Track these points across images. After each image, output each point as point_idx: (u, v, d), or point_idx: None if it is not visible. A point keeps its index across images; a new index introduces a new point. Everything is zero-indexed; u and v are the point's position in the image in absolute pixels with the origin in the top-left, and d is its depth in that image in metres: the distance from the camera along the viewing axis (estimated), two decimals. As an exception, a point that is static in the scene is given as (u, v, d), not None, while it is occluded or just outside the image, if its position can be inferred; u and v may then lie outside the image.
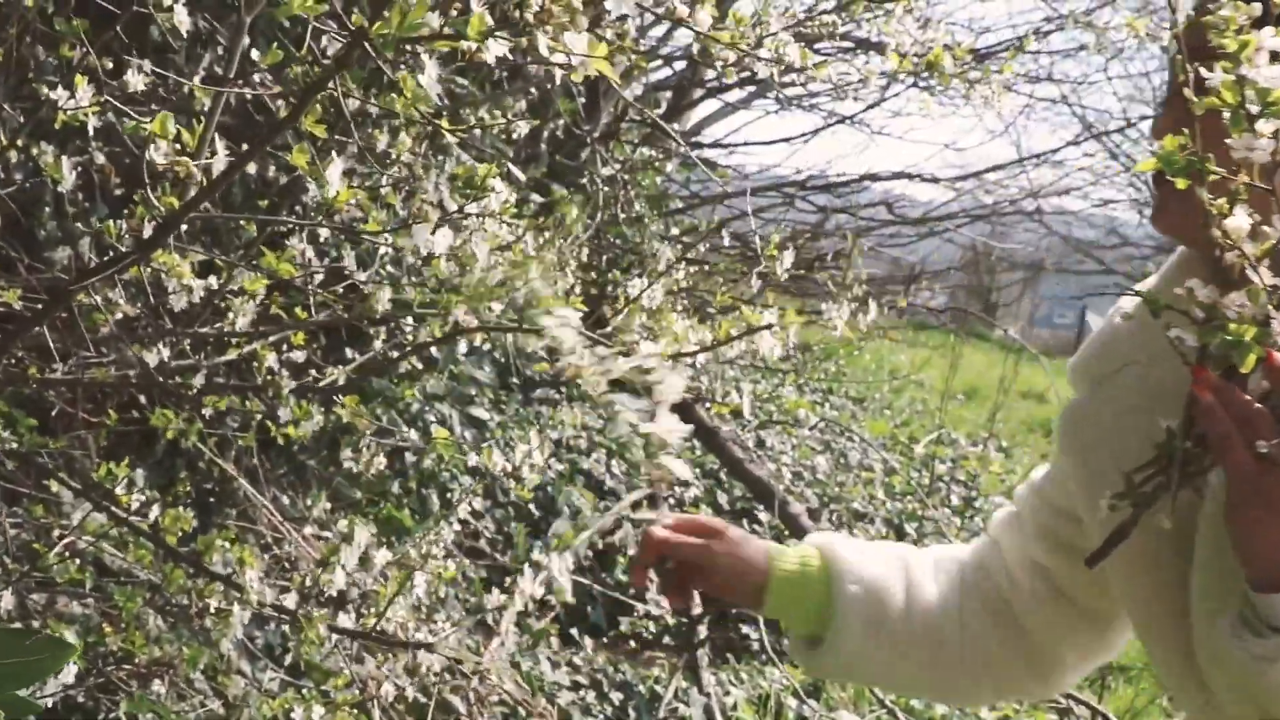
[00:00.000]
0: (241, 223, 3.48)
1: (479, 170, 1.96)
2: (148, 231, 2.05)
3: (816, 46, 4.25)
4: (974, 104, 4.70)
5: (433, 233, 2.00)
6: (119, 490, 2.87)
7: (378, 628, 3.01)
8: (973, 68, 8.16)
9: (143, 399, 3.38)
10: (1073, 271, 24.25)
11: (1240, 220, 1.29)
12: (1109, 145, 20.67)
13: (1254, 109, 1.24)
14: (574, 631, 5.68)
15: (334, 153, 1.82)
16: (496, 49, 1.38)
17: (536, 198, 6.19)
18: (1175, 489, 1.36)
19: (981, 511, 9.31)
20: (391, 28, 1.38)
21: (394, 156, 2.61)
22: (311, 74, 1.70)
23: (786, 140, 9.71)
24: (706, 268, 7.61)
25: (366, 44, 1.41)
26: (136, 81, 2.23)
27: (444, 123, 1.59)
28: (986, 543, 1.96)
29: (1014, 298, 29.86)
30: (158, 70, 2.39)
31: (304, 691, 3.86)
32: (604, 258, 7.26)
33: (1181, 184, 1.29)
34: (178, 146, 1.79)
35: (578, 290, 3.16)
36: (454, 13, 1.40)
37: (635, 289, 2.90)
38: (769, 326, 2.39)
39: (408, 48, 1.45)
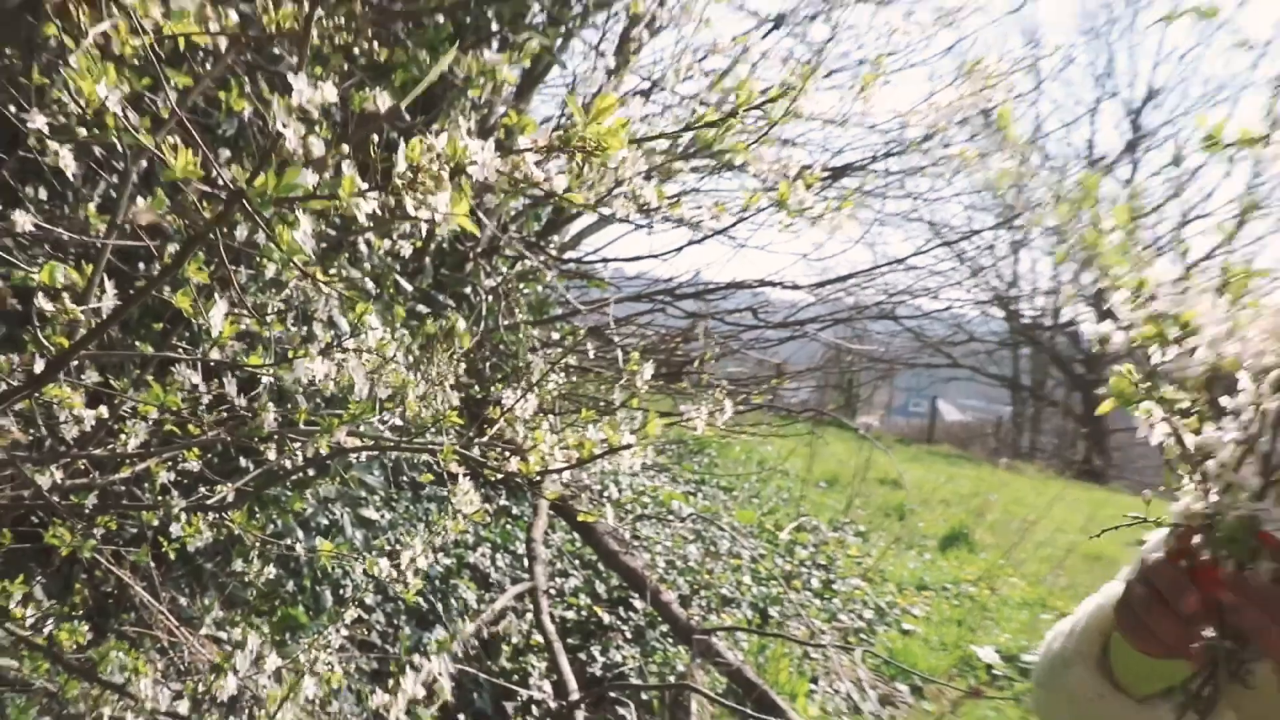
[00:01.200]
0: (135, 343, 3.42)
1: (356, 308, 1.93)
2: (39, 366, 2.00)
3: (682, 165, 4.26)
4: (827, 223, 4.73)
5: (312, 362, 1.98)
6: (14, 606, 2.79)
7: (267, 732, 2.93)
8: (828, 186, 8.26)
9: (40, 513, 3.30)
10: (925, 365, 24.55)
11: (1205, 437, 1.32)
12: (956, 251, 21.14)
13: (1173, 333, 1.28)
14: (461, 717, 5.61)
15: (215, 295, 1.79)
16: (367, 207, 1.36)
17: (423, 308, 6.16)
18: (1222, 690, 1.38)
19: (839, 594, 9.34)
20: (268, 187, 1.36)
21: (283, 281, 2.58)
22: (194, 226, 1.67)
23: (655, 256, 9.78)
24: (575, 377, 7.58)
25: (245, 201, 1.39)
26: (24, 221, 2.18)
27: (318, 272, 1.56)
28: None
29: (872, 391, 30.22)
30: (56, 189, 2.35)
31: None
32: (488, 364, 7.23)
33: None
34: (66, 293, 1.75)
35: (457, 401, 3.14)
36: (328, 174, 1.38)
37: (509, 400, 2.89)
38: (628, 446, 2.38)
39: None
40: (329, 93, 1.30)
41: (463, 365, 3.21)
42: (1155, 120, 27.94)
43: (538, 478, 2.50)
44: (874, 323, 14.20)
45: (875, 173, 8.84)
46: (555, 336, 8.68)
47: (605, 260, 9.83)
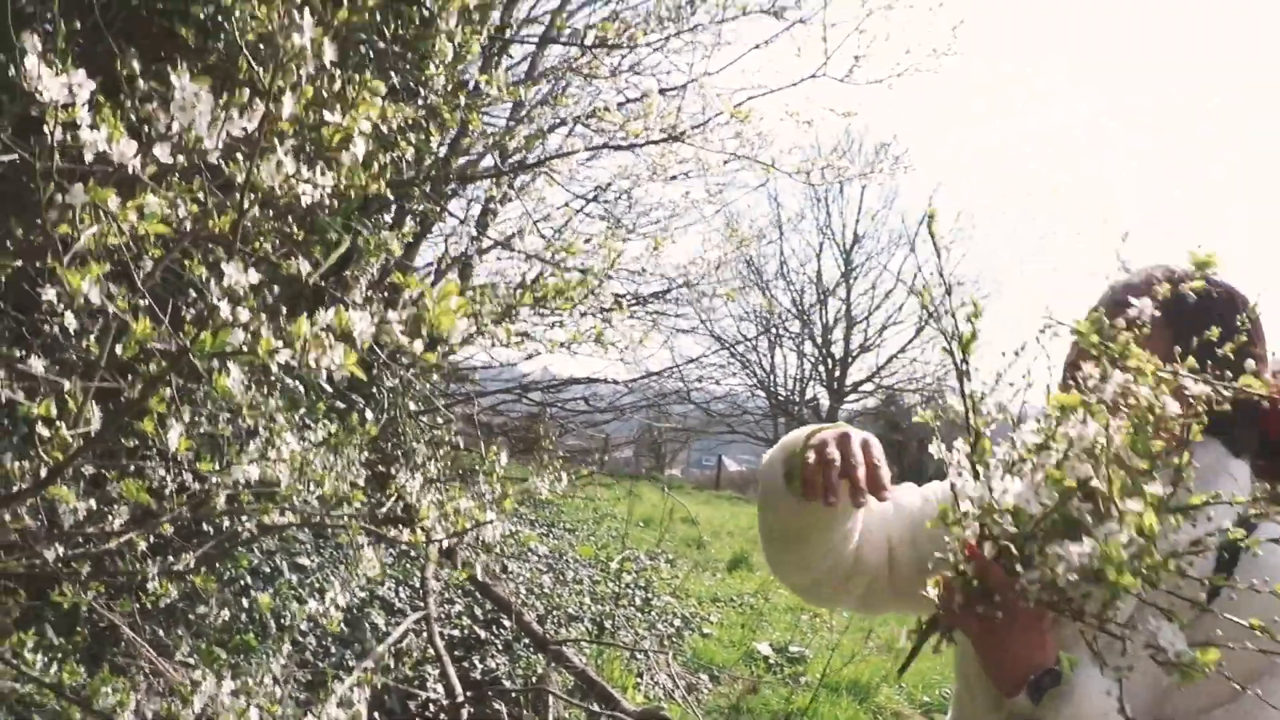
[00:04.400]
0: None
1: (274, 428, 1.91)
2: (43, 472, 1.94)
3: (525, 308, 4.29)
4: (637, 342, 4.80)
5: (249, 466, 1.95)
6: (27, 653, 2.69)
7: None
8: (639, 308, 8.31)
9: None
10: (711, 433, 24.76)
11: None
12: (733, 352, 21.57)
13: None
14: (376, 715, 5.49)
15: (173, 419, 1.75)
16: (280, 359, 1.35)
17: (340, 403, 6.09)
18: (944, 633, 1.48)
19: (656, 608, 9.31)
20: (207, 345, 1.35)
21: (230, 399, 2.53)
22: (156, 369, 1.64)
23: (511, 364, 9.77)
24: (455, 452, 7.49)
25: (190, 355, 1.37)
26: (37, 365, 2.13)
27: (245, 411, 1.55)
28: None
29: (675, 453, 30.46)
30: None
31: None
32: (389, 444, 7.14)
33: None
34: (58, 421, 1.71)
35: (362, 481, 3.10)
36: (253, 334, 1.37)
37: (402, 479, 2.86)
38: (490, 521, 2.37)
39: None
40: (252, 276, 1.29)
41: (366, 453, 3.18)
42: (859, 257, 29.17)
43: (425, 544, 2.47)
44: (675, 405, 14.35)
45: (672, 299, 8.95)
46: (440, 421, 8.60)
47: (475, 366, 9.79)
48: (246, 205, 1.26)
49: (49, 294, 1.88)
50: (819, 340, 30.29)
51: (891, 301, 29.13)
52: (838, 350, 30.20)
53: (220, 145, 1.26)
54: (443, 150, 4.62)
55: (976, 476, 1.39)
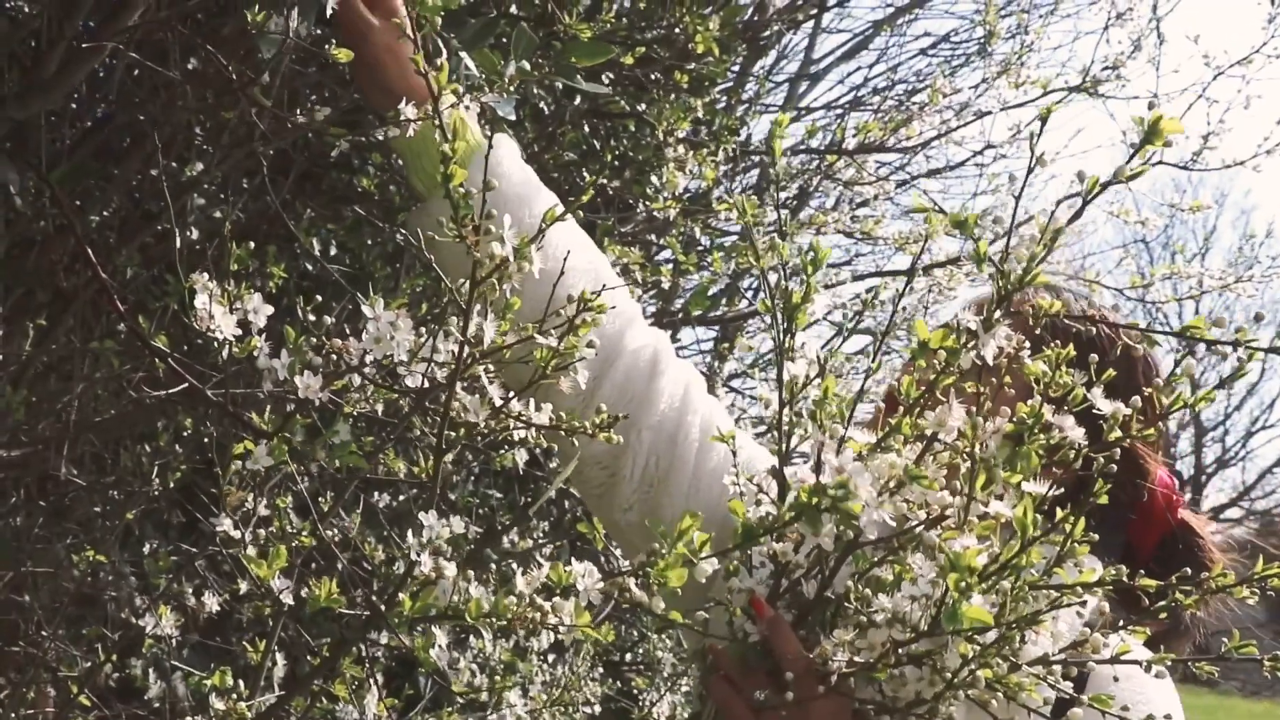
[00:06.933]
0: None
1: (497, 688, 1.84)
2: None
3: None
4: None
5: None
6: None
7: None
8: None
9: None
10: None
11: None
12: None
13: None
14: None
15: (369, 681, 1.70)
16: (494, 626, 1.28)
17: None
18: None
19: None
20: (405, 610, 1.28)
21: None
22: (343, 632, 1.59)
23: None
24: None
25: (384, 621, 1.31)
26: (212, 604, 2.14)
27: (456, 685, 1.47)
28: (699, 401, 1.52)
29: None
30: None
31: None
32: (623, 651, 6.94)
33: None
34: (235, 695, 1.67)
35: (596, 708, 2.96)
36: (461, 595, 1.30)
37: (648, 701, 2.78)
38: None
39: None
40: (456, 525, 1.22)
41: (600, 666, 3.08)
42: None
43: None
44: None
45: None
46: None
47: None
48: (446, 445, 1.18)
49: (223, 524, 1.87)
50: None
51: (1259, 398, 26.22)
52: (1185, 467, 26.46)
53: (423, 377, 1.19)
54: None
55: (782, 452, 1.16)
